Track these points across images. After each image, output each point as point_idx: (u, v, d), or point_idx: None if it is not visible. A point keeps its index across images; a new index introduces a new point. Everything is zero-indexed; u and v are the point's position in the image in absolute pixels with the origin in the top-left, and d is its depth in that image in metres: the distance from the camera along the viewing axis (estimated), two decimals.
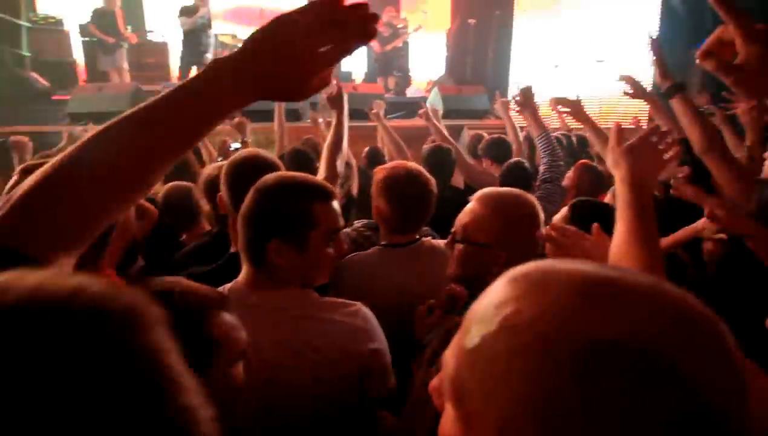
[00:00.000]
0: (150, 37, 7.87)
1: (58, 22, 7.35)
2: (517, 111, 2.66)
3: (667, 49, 1.85)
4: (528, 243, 1.09)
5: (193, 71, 6.82)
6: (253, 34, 0.56)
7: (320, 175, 1.82)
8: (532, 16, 8.21)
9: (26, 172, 0.84)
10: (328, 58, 0.56)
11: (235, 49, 0.57)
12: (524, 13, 8.24)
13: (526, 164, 2.75)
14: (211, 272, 1.30)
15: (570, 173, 2.62)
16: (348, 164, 2.68)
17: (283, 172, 1.15)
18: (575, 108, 2.19)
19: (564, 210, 1.38)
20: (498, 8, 8.66)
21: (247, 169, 1.34)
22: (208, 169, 1.81)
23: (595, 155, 3.24)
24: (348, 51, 0.56)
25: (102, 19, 6.77)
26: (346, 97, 2.01)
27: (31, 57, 7.26)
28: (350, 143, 3.82)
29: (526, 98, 2.55)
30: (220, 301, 0.77)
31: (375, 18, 0.55)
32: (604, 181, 2.56)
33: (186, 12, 6.63)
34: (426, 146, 2.89)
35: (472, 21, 8.85)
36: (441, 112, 5.03)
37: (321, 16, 0.55)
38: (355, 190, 2.98)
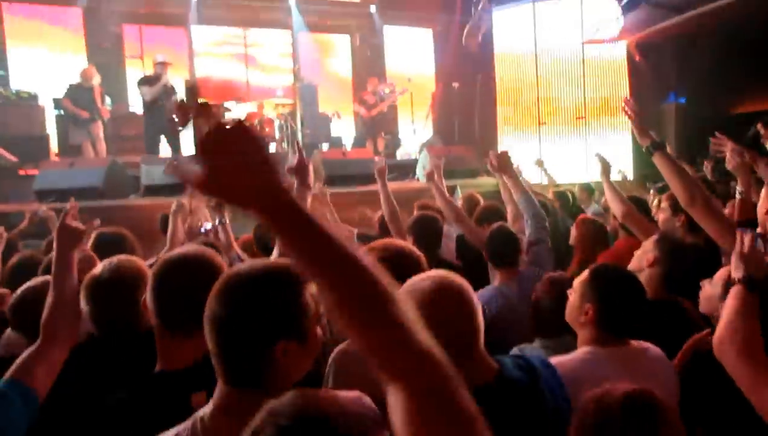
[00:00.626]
0: (132, 109, 7.66)
1: (32, 97, 7.08)
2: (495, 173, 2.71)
3: (640, 106, 1.94)
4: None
5: (162, 142, 6.52)
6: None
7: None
8: (512, 75, 8.38)
9: None
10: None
11: None
12: (502, 82, 8.41)
13: (511, 229, 2.58)
14: (133, 398, 1.08)
15: (573, 231, 2.78)
16: None
17: (251, 263, 1.01)
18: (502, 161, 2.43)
19: (648, 247, 1.39)
20: (481, 70, 8.84)
21: (182, 274, 1.17)
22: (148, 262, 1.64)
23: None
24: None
25: (78, 93, 6.53)
26: (313, 166, 1.71)
27: None
28: (338, 210, 3.58)
29: (502, 162, 2.55)
30: None
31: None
32: (606, 233, 2.70)
33: (147, 81, 6.41)
34: (413, 216, 2.78)
35: (455, 84, 8.98)
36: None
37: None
38: None
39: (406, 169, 7.34)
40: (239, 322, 0.91)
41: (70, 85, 6.61)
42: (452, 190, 5.82)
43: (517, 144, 7.85)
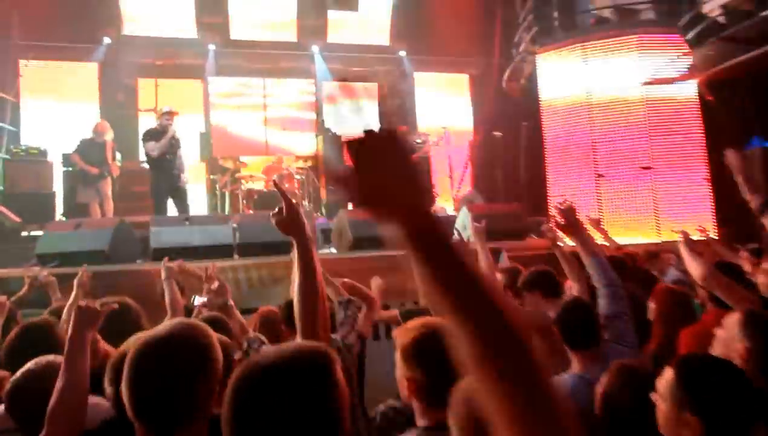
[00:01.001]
0: (144, 164, 8.09)
1: (42, 154, 7.61)
2: (561, 234, 2.67)
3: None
4: None
5: (170, 203, 6.78)
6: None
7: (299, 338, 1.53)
8: (562, 123, 8.36)
9: None
10: None
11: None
12: (551, 129, 8.43)
13: (588, 302, 2.54)
14: None
15: (651, 303, 2.61)
16: (350, 303, 2.43)
17: (277, 351, 0.95)
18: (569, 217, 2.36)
19: (733, 330, 1.35)
20: (525, 118, 8.97)
21: (159, 360, 1.11)
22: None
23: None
24: None
25: (89, 149, 6.97)
26: (307, 217, 1.72)
27: (4, 189, 7.40)
28: (368, 276, 3.55)
29: (570, 220, 2.47)
30: None
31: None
32: (692, 304, 2.55)
33: (152, 135, 6.71)
34: None
35: (497, 133, 9.11)
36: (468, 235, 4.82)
37: None
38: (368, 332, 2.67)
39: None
40: (271, 430, 0.84)
41: (82, 140, 7.08)
42: (496, 254, 5.77)
43: (570, 200, 7.76)
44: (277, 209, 1.59)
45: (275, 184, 1.89)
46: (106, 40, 8.93)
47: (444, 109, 10.34)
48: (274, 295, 4.62)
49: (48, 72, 8.80)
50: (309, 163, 8.70)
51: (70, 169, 7.36)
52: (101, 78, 9.13)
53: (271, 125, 9.69)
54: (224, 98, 9.72)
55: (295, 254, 1.57)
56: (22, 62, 8.59)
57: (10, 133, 8.17)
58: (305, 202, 8.27)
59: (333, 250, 5.99)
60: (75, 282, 3.25)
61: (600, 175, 8.12)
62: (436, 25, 9.69)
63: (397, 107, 10.27)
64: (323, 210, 8.56)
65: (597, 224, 5.42)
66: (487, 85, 10.33)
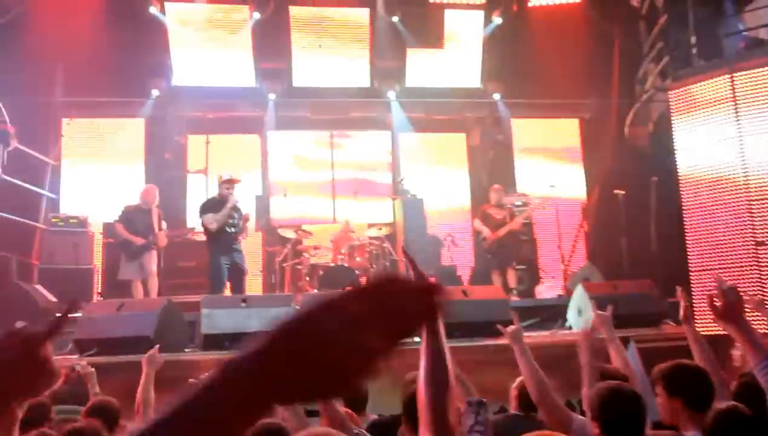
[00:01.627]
0: (191, 235, 8.64)
1: (81, 223, 8.35)
2: (717, 324, 2.53)
3: None
4: None
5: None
6: (284, 324, 0.65)
7: None
8: (706, 177, 8.10)
9: None
10: (380, 351, 0.64)
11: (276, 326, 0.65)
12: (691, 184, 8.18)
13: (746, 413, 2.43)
14: None
15: None
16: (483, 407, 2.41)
17: None
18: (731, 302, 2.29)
19: None
20: (654, 172, 8.79)
21: None
22: None
23: None
24: (407, 337, 0.66)
25: (134, 217, 7.58)
26: None
27: (41, 264, 8.15)
28: (465, 372, 3.55)
29: (731, 305, 2.35)
30: None
31: (440, 293, 0.67)
32: None
33: (211, 207, 7.17)
34: (599, 387, 2.64)
35: (619, 192, 8.96)
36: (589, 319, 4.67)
37: (379, 303, 0.64)
38: None
39: (552, 313, 7.22)
40: None
41: (126, 208, 7.73)
42: (624, 344, 5.58)
43: (721, 275, 7.41)
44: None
45: (404, 254, 2.05)
46: (155, 92, 9.87)
47: (549, 162, 10.40)
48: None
49: (91, 131, 9.83)
50: (384, 232, 8.90)
51: (112, 240, 7.99)
52: (148, 135, 10.02)
53: (339, 187, 10.12)
54: (285, 156, 10.33)
55: (423, 339, 1.63)
56: (64, 121, 9.65)
57: (48, 200, 9.06)
58: None
59: (416, 338, 6.01)
60: (145, 360, 3.43)
61: (761, 244, 7.76)
62: (537, 61, 9.91)
63: (490, 162, 10.42)
64: None
65: (761, 306, 5.18)
66: (604, 133, 10.30)
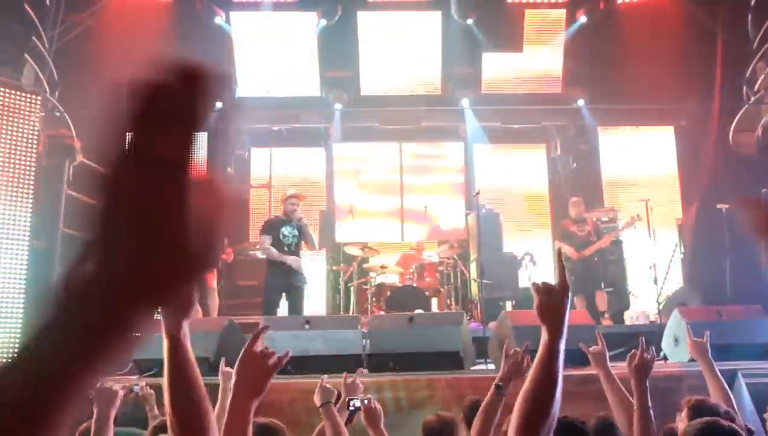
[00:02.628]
0: (253, 252, 8.89)
1: None
2: None
3: None
4: None
5: (283, 303, 7.25)
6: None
7: None
8: None
9: None
10: None
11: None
12: None
13: None
14: None
15: None
16: None
17: None
18: None
19: None
20: (763, 184, 8.45)
21: None
22: None
23: None
24: None
25: None
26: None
27: None
28: (567, 399, 3.52)
29: None
30: None
31: None
32: None
33: (270, 228, 7.18)
34: (695, 422, 2.60)
35: (722, 206, 8.65)
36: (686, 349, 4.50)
37: None
38: None
39: (644, 341, 6.97)
40: None
41: None
42: (731, 377, 5.35)
43: None
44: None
45: (558, 255, 2.22)
46: (218, 105, 10.25)
47: (640, 174, 10.13)
48: (411, 424, 4.67)
49: None
50: (456, 250, 8.87)
51: None
52: (209, 149, 10.41)
53: (408, 201, 10.20)
54: (351, 169, 10.52)
55: (542, 350, 1.74)
56: (128, 134, 10.18)
57: None
58: (450, 301, 8.39)
59: (491, 365, 5.96)
60: (221, 376, 3.55)
61: None
62: (626, 62, 9.71)
63: (573, 175, 10.26)
64: (476, 311, 8.60)
65: None
66: (703, 140, 9.95)
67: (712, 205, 8.79)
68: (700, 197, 9.63)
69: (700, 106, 10.10)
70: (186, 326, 1.60)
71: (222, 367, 3.57)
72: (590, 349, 3.24)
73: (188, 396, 1.55)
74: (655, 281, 8.76)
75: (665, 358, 6.48)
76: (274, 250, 7.07)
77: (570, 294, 1.81)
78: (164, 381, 1.60)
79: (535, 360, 1.77)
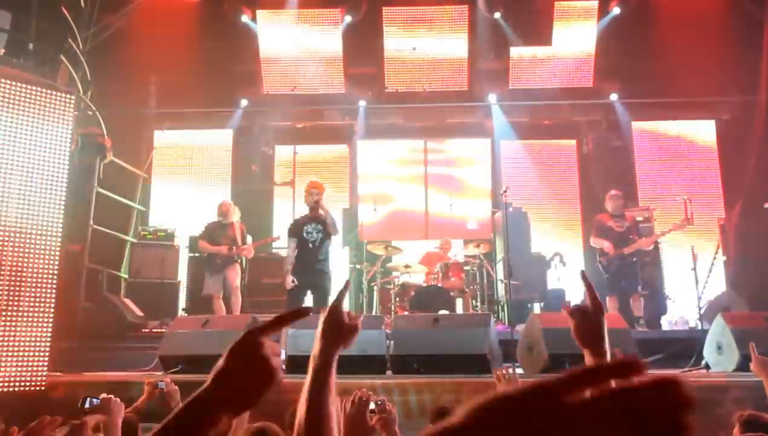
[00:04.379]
0: (276, 250, 9.12)
1: (168, 236, 9.14)
2: None
3: None
4: None
5: (308, 301, 7.41)
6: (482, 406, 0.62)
7: None
8: None
9: None
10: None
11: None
12: None
13: None
14: None
15: None
16: None
17: None
18: None
19: None
20: None
21: None
22: None
23: None
24: None
25: (216, 232, 8.16)
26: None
27: (129, 277, 9.04)
28: None
29: None
30: None
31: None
32: None
33: (294, 231, 7.43)
34: None
35: None
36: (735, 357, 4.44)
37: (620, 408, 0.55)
38: None
39: (682, 347, 6.97)
40: None
41: (207, 225, 8.33)
42: None
43: None
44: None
45: (582, 276, 2.15)
46: (243, 102, 10.57)
47: (679, 171, 10.10)
48: None
49: (180, 143, 10.74)
50: (482, 249, 8.94)
51: (197, 254, 8.62)
52: (235, 147, 10.76)
53: (433, 200, 10.33)
54: (375, 167, 10.69)
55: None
56: (156, 132, 10.60)
57: (138, 213, 9.92)
58: (475, 302, 8.46)
59: (519, 369, 6.00)
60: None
61: None
62: (663, 54, 9.68)
63: (605, 172, 10.23)
64: (503, 313, 8.67)
65: None
66: (747, 135, 9.85)
67: (757, 204, 8.72)
68: (744, 196, 9.55)
69: (744, 98, 9.99)
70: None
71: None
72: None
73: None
74: (696, 284, 8.68)
75: (707, 366, 6.30)
76: (288, 258, 7.37)
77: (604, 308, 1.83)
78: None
79: None
